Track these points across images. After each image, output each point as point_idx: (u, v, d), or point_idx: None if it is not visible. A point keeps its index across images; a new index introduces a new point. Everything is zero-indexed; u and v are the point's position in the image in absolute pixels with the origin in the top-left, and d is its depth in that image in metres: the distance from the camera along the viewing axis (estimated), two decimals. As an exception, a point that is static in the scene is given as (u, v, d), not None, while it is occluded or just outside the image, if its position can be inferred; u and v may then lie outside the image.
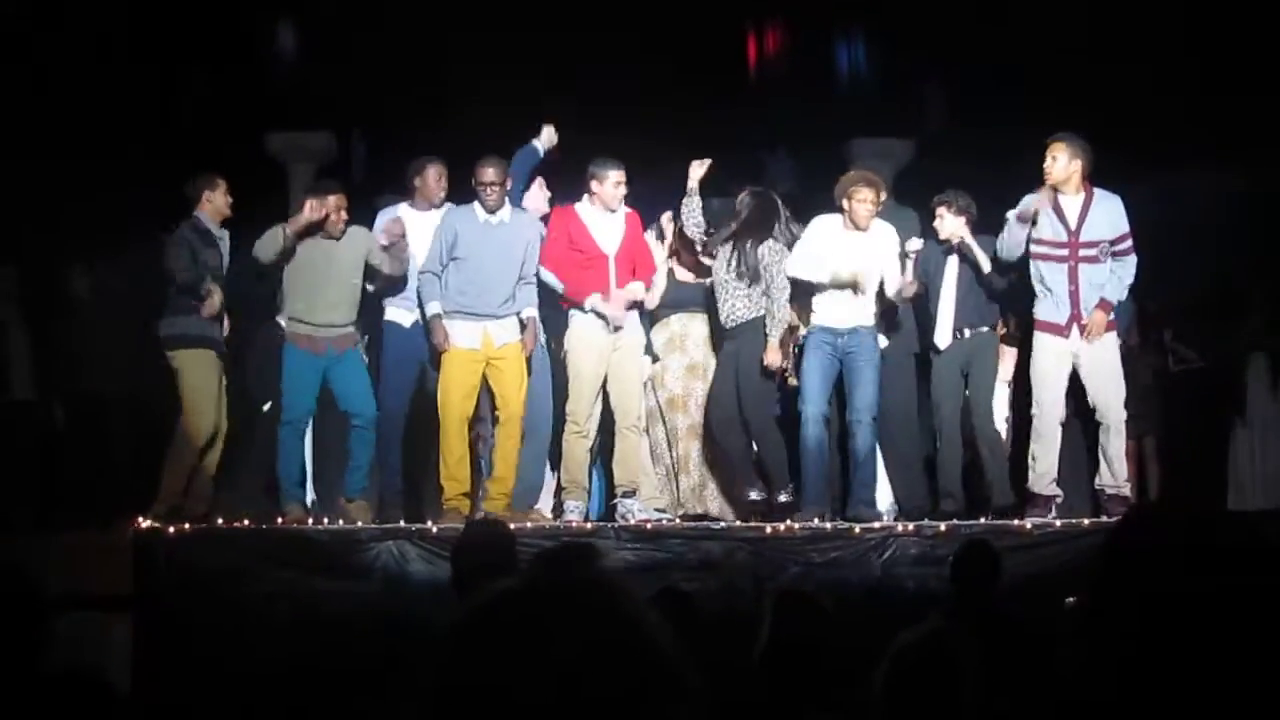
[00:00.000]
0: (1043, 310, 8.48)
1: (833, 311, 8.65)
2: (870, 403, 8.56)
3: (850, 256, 8.58)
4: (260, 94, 11.12)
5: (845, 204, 8.62)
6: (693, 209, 8.83)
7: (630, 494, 8.69)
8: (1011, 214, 8.51)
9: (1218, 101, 10.06)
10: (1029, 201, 8.43)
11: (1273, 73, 9.87)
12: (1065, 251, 8.43)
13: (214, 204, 8.88)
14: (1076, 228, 8.41)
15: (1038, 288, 8.50)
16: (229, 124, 10.79)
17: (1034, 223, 8.43)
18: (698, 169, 8.80)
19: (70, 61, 10.47)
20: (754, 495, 8.70)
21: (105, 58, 10.52)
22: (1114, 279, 8.47)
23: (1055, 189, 8.43)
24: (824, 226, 8.72)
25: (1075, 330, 8.41)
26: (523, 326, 8.70)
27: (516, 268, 8.67)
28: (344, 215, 8.73)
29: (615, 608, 1.68)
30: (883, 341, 8.84)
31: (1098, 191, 8.48)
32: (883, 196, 8.77)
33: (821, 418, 8.59)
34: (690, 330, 9.06)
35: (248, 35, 10.86)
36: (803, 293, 8.76)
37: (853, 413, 8.60)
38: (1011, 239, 8.52)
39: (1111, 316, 8.48)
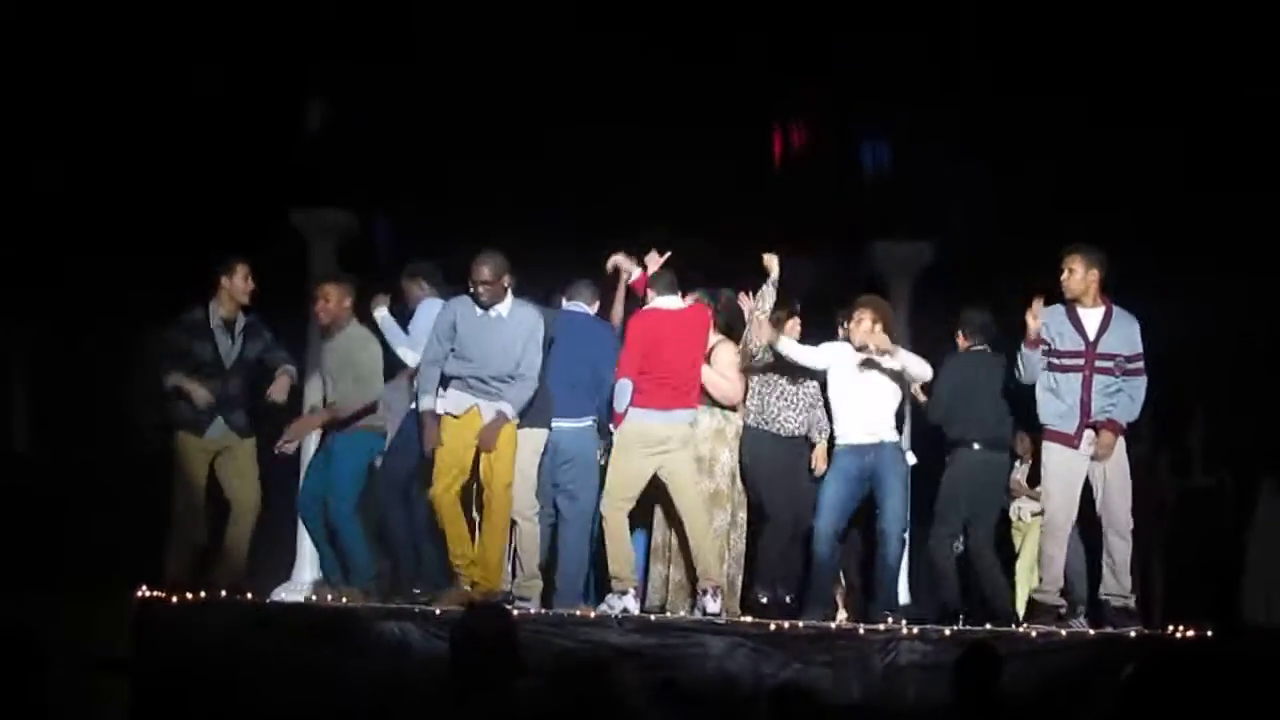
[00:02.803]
0: (1052, 418, 8.39)
1: (857, 427, 8.67)
2: (900, 515, 8.58)
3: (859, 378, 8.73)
4: (285, 169, 11.22)
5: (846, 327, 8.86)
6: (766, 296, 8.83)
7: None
8: (1023, 346, 8.42)
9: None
10: (1032, 329, 8.38)
11: None
12: (1081, 361, 8.35)
13: (230, 290, 8.64)
14: (1095, 338, 8.35)
15: (1047, 395, 8.41)
16: (252, 198, 10.89)
17: (1044, 341, 8.39)
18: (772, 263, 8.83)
19: (102, 132, 10.60)
20: (764, 598, 8.64)
21: (136, 131, 10.64)
22: (1124, 398, 8.36)
23: (1074, 301, 8.40)
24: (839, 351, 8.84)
25: (1085, 438, 8.34)
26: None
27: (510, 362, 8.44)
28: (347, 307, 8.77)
29: None
30: (910, 459, 8.87)
31: (1116, 309, 8.43)
32: (875, 318, 8.69)
33: (835, 536, 8.61)
34: (699, 422, 8.97)
35: (275, 111, 10.98)
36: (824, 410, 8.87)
37: (883, 523, 8.59)
38: (1029, 366, 8.44)
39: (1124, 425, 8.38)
